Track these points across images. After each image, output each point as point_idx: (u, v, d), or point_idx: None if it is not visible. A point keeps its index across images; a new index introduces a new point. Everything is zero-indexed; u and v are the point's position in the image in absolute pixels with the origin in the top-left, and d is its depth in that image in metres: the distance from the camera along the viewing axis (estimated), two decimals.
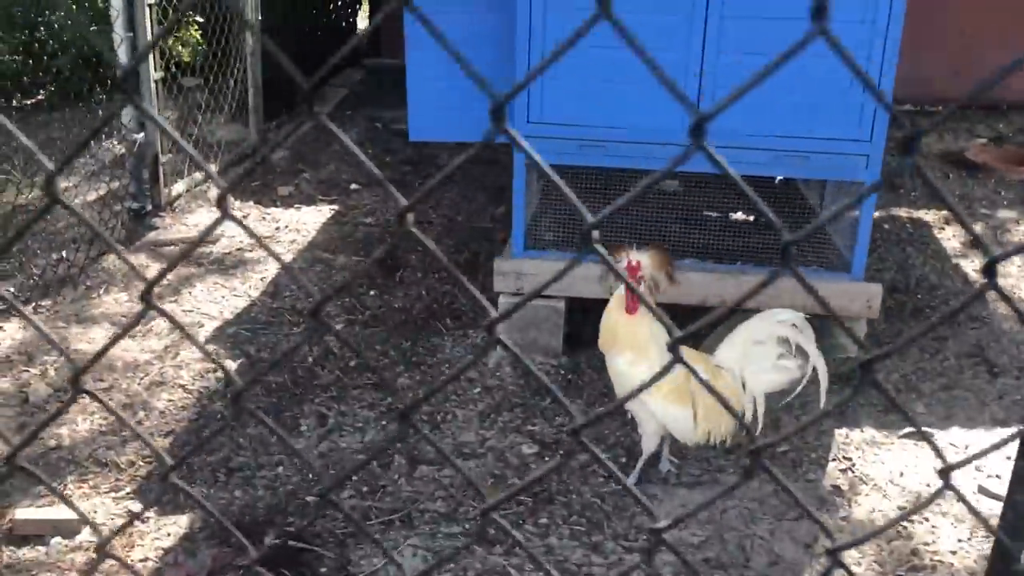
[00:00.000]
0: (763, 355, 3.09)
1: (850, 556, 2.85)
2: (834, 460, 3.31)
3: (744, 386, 3.10)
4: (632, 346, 3.06)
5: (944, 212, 5.36)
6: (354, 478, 3.22)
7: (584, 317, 4.19)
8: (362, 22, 9.40)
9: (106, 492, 3.14)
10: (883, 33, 3.43)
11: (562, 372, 3.88)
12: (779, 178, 5.11)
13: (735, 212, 4.93)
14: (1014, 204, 5.46)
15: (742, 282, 3.79)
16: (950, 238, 5.06)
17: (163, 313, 0.85)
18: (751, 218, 4.86)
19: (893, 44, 3.45)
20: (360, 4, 9.12)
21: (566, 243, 4.17)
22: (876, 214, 4.70)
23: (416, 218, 4.27)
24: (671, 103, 3.62)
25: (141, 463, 3.29)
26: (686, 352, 3.10)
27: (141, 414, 3.58)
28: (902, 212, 5.36)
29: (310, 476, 3.21)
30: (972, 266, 4.75)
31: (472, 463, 3.28)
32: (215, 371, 3.83)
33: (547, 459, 3.30)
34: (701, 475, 3.21)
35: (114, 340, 0.97)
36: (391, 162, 6.36)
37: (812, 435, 3.45)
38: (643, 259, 3.06)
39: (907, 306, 4.31)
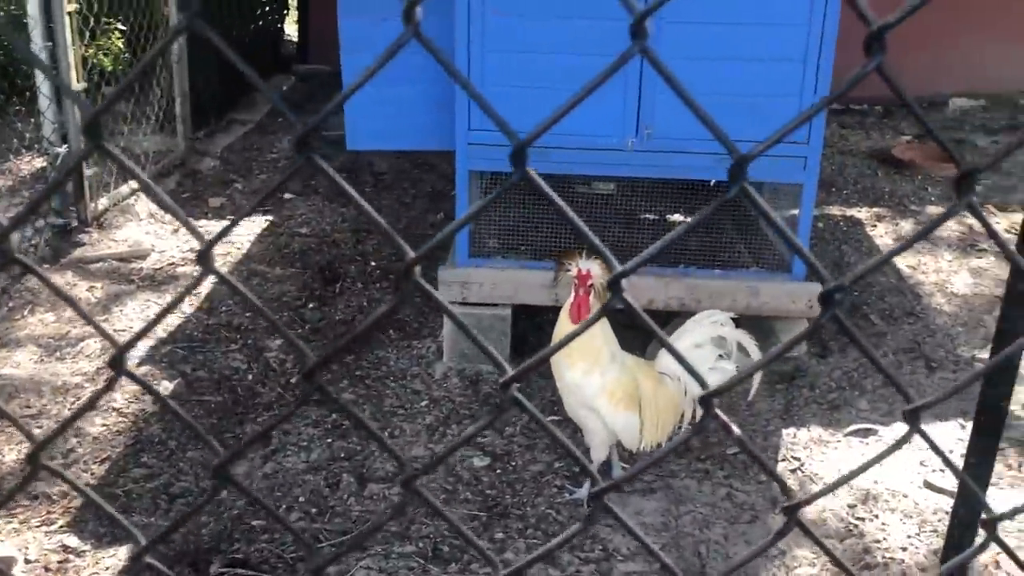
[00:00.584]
0: (702, 358, 3.11)
1: (804, 557, 2.87)
2: (783, 460, 3.34)
3: (685, 391, 3.12)
4: (584, 356, 3.03)
5: (877, 209, 5.47)
6: (301, 499, 3.14)
7: (530, 325, 4.16)
8: (290, 28, 9.24)
9: (37, 526, 3.00)
10: (819, 36, 3.47)
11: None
12: (713, 181, 5.15)
13: (672, 214, 4.95)
14: (941, 200, 5.60)
15: (687, 284, 3.80)
16: (882, 235, 5.17)
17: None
18: (689, 219, 4.89)
19: (829, 46, 3.50)
20: (287, 10, 8.95)
21: (510, 250, 4.14)
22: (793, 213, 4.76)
23: (353, 226, 4.17)
24: (610, 110, 3.62)
25: (74, 494, 3.15)
26: (631, 361, 3.10)
27: (73, 441, 3.44)
28: (835, 211, 5.45)
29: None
30: (905, 262, 4.85)
31: (423, 479, 3.21)
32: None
33: (498, 470, 3.26)
34: (654, 481, 3.20)
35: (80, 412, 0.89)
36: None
37: (760, 436, 3.47)
38: (593, 266, 3.04)
39: (844, 304, 4.37)
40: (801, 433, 3.48)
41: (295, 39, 9.14)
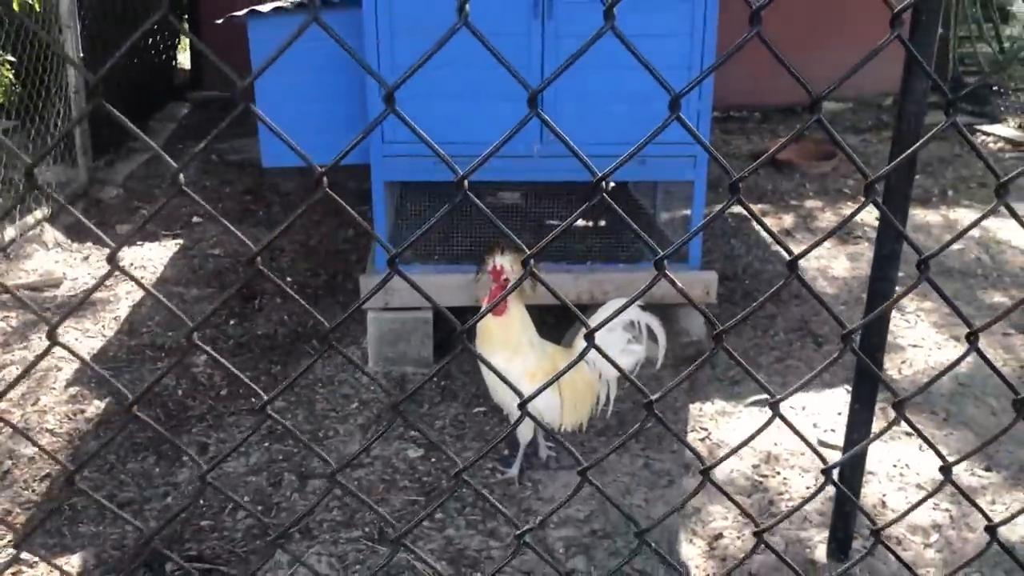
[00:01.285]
0: (614, 342, 3.38)
1: (717, 511, 3.16)
2: (692, 431, 3.64)
3: (600, 374, 3.39)
4: (506, 345, 3.27)
5: (761, 205, 5.90)
6: (246, 498, 3.27)
7: (452, 326, 4.38)
8: (182, 56, 9.24)
9: None
10: (701, 45, 3.82)
11: (434, 380, 4.04)
12: (611, 184, 5.49)
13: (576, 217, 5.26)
14: (819, 194, 6.08)
15: (595, 278, 4.08)
16: None
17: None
18: (590, 223, 5.20)
19: (710, 54, 3.85)
20: (180, 40, 8.96)
21: (427, 256, 4.35)
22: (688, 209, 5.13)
23: (268, 246, 4.26)
24: (516, 119, 3.88)
25: (18, 510, 3.20)
26: (550, 348, 3.36)
27: (8, 463, 3.47)
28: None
29: (201, 502, 3.23)
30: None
31: (361, 472, 3.39)
32: (82, 413, 3.76)
33: (433, 459, 3.46)
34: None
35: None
36: (231, 193, 6.34)
37: (670, 412, 3.77)
38: (504, 262, 3.28)
39: (737, 291, 4.74)
40: (706, 407, 3.80)
41: (188, 67, 9.15)
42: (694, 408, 3.79)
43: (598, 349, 1.19)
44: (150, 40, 8.07)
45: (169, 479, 3.39)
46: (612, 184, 5.46)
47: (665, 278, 1.07)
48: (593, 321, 3.43)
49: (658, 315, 4.23)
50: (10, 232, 5.25)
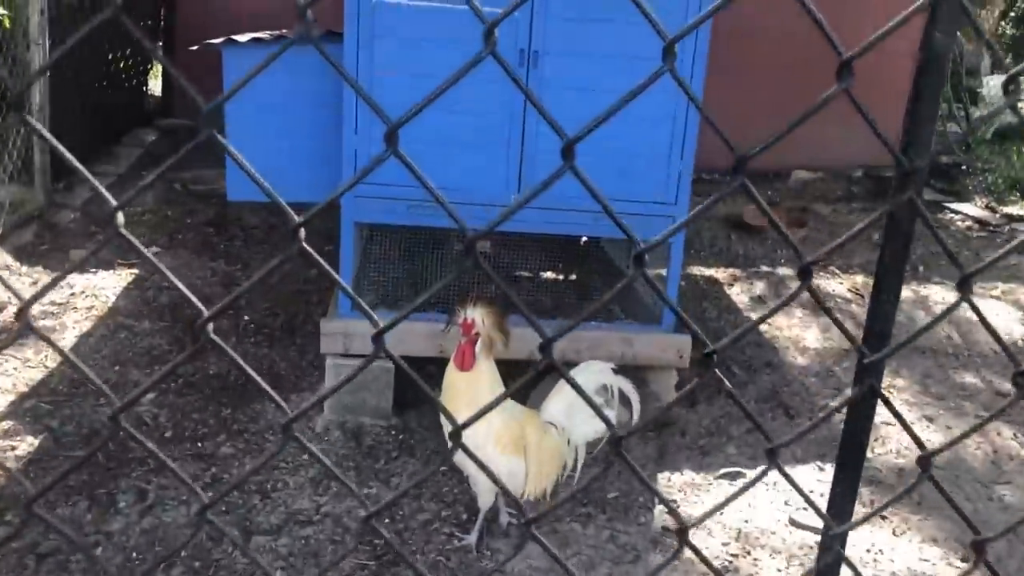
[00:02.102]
0: (584, 406, 3.23)
1: None
2: (660, 503, 3.48)
3: (568, 440, 3.23)
4: (471, 404, 3.10)
5: (732, 270, 5.83)
6: (184, 553, 3.04)
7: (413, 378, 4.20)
8: (153, 82, 9.05)
9: None
10: (686, 102, 3.75)
11: (393, 433, 3.86)
12: (584, 239, 5.39)
13: (544, 271, 5.14)
14: (790, 262, 6.02)
15: (569, 336, 3.94)
16: (739, 293, 5.51)
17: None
18: (561, 276, 5.08)
19: (693, 111, 3.77)
20: (151, 65, 8.79)
21: (390, 301, 4.19)
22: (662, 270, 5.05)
23: (224, 280, 4.11)
24: (496, 166, 3.77)
25: None
26: (517, 409, 3.20)
27: None
28: (695, 271, 5.77)
29: (135, 556, 3.00)
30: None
31: (309, 531, 3.18)
32: (13, 450, 3.52)
33: (387, 520, 3.26)
34: (539, 526, 3.28)
35: None
36: (193, 224, 6.14)
37: (637, 481, 3.61)
38: (476, 315, 3.14)
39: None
40: (675, 477, 3.65)
41: (159, 94, 8.97)
42: (662, 478, 3.64)
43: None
44: (121, 64, 7.89)
45: (101, 527, 3.16)
46: (584, 239, 5.36)
47: (651, 285, 0.93)
48: (565, 384, 3.32)
49: (628, 377, 4.11)
50: None
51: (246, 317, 4.85)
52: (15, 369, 4.13)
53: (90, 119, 6.91)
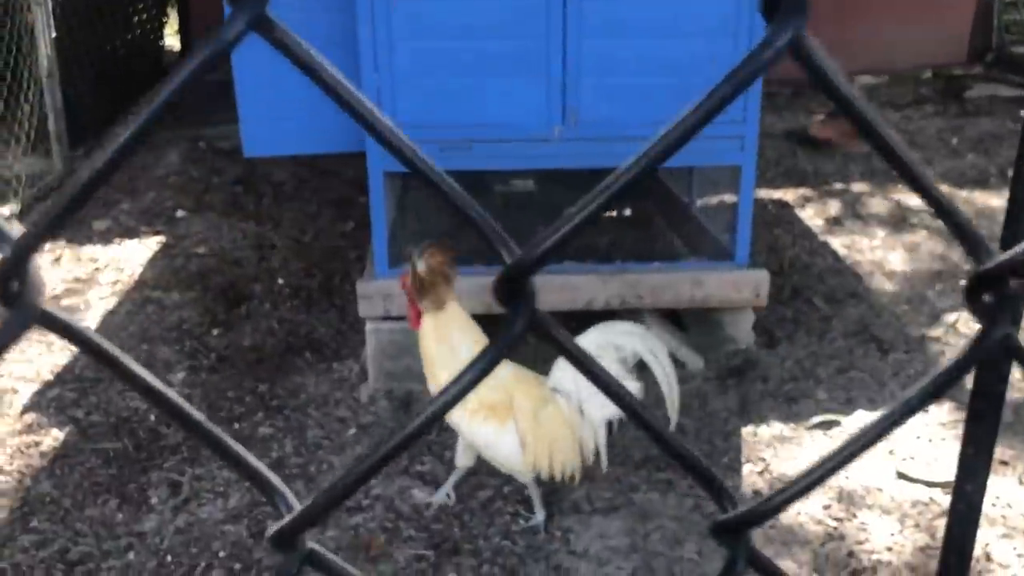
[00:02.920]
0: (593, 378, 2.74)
1: (785, 565, 2.63)
2: (747, 462, 3.10)
3: (581, 410, 2.71)
4: (428, 365, 2.75)
5: (802, 190, 5.34)
6: (222, 553, 2.75)
7: None
8: (170, 39, 8.68)
9: None
10: (749, 7, 3.26)
11: None
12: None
13: None
14: (865, 177, 5.52)
15: (627, 280, 3.54)
16: (812, 216, 5.03)
17: None
18: (614, 214, 4.65)
19: (759, 21, 3.29)
20: (166, 19, 8.41)
21: None
22: (732, 198, 4.61)
23: (255, 243, 3.76)
24: (537, 97, 3.34)
25: None
26: (509, 372, 2.69)
27: None
28: (761, 193, 5.29)
29: (169, 560, 2.72)
30: (839, 242, 4.71)
31: (359, 518, 2.87)
32: (37, 445, 3.25)
33: (443, 502, 2.93)
34: (614, 498, 2.92)
35: None
36: (219, 183, 5.80)
37: (719, 437, 3.24)
38: (419, 263, 2.70)
39: (785, 289, 4.19)
40: (761, 430, 3.26)
41: (176, 48, 8.61)
42: (747, 432, 3.25)
43: None
44: (135, 19, 7.52)
45: (133, 527, 2.88)
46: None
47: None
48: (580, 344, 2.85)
49: (699, 322, 3.71)
50: None
51: (280, 280, 4.52)
52: (38, 355, 3.86)
53: (105, 80, 6.57)
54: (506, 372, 2.68)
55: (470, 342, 2.67)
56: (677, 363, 3.53)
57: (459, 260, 3.67)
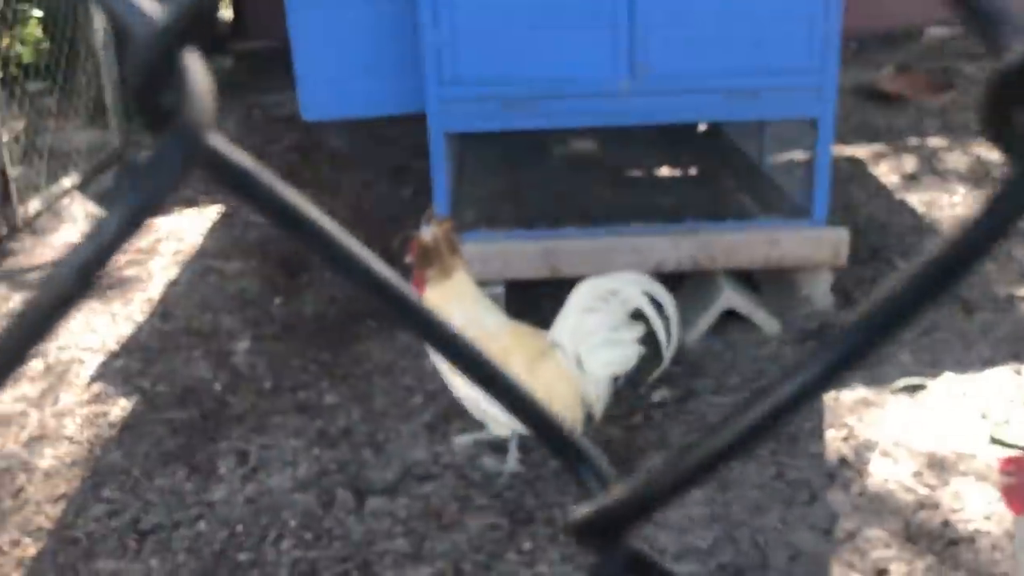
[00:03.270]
0: (595, 327, 2.63)
1: (878, 538, 2.51)
2: (830, 428, 2.97)
3: (579, 362, 2.62)
4: None
5: (876, 146, 5.13)
6: (292, 523, 2.71)
7: (526, 301, 3.76)
8: (224, 9, 8.64)
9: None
10: None
11: None
12: (702, 126, 4.78)
13: (660, 167, 4.57)
14: (941, 131, 5.28)
15: (699, 240, 3.41)
16: (887, 172, 4.83)
17: None
18: (679, 172, 4.51)
19: None
20: None
21: (494, 220, 3.72)
22: (807, 155, 4.44)
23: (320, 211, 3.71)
24: (600, 47, 3.21)
25: (28, 539, 2.70)
26: (504, 328, 2.68)
27: (23, 478, 2.97)
28: (833, 150, 5.09)
29: (239, 529, 2.68)
30: (917, 199, 4.51)
31: (429, 487, 2.81)
32: (105, 416, 3.24)
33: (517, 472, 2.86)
34: None
35: None
36: (276, 151, 5.76)
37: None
38: (426, 233, 2.66)
39: (862, 248, 4.01)
40: (843, 395, 3.12)
41: (230, 17, 8.57)
42: (829, 398, 3.12)
43: None
44: None
45: (203, 497, 2.85)
46: (704, 127, 4.76)
47: None
48: (573, 295, 2.43)
49: (774, 283, 3.57)
50: (36, 204, 4.75)
51: None
52: (104, 325, 3.86)
53: None
54: (503, 325, 2.67)
55: (472, 311, 2.63)
56: (752, 326, 3.41)
57: (526, 222, 3.59)
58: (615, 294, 2.64)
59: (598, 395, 2.66)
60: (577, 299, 2.66)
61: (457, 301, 2.64)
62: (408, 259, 2.69)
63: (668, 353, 2.69)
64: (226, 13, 8.59)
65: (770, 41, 3.17)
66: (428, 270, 2.65)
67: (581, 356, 2.61)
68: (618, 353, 2.63)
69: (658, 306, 2.63)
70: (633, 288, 2.63)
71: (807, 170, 3.48)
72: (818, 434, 2.94)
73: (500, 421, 2.67)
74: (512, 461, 2.82)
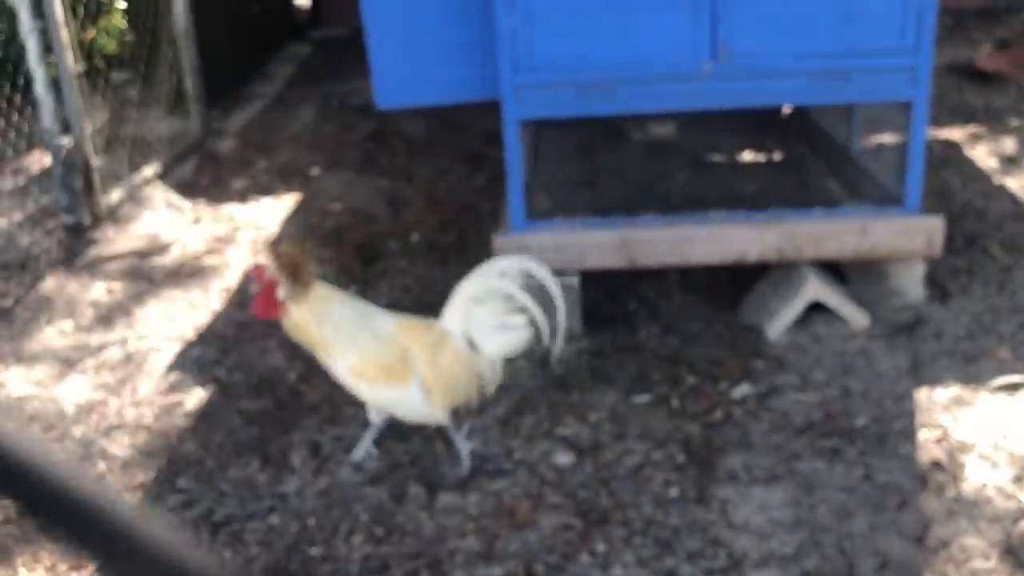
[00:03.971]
0: (487, 314, 2.74)
1: (975, 547, 2.37)
2: (923, 428, 2.82)
3: (472, 343, 2.75)
4: (314, 345, 2.69)
5: (972, 127, 4.88)
6: (364, 517, 2.69)
7: (601, 291, 3.67)
8: None
9: (68, 572, 2.59)
10: None
11: (585, 358, 3.35)
12: (786, 110, 4.60)
13: (742, 152, 4.42)
14: None
15: (784, 230, 3.26)
16: (984, 155, 4.58)
17: None
18: (763, 158, 4.35)
19: None
20: None
21: (569, 208, 3.63)
22: (900, 138, 4.22)
23: (389, 198, 3.67)
24: (682, 27, 3.08)
25: None
26: (398, 327, 2.72)
27: (101, 465, 3.02)
28: (929, 133, 4.86)
29: (311, 523, 2.67)
30: (1017, 184, 4.27)
31: (501, 483, 2.75)
32: (181, 405, 3.27)
33: (589, 467, 2.78)
34: (775, 466, 2.70)
35: None
36: (353, 139, 5.77)
37: (889, 399, 2.96)
38: (267, 260, 2.63)
39: (957, 237, 3.81)
40: (937, 393, 2.96)
41: (306, 5, 8.63)
42: (921, 395, 2.96)
43: None
44: None
45: (276, 489, 2.85)
46: (788, 110, 4.58)
47: None
48: (461, 287, 2.46)
49: (863, 274, 3.41)
50: (118, 193, 4.84)
51: (415, 236, 4.44)
52: (182, 314, 3.90)
53: (239, 39, 6.62)
54: (393, 326, 2.72)
55: (358, 315, 2.70)
56: (839, 320, 3.27)
57: (602, 210, 3.50)
58: (502, 282, 2.74)
59: (492, 374, 2.80)
60: (465, 290, 2.76)
61: (339, 307, 2.68)
62: (253, 289, 2.65)
63: (556, 342, 2.79)
64: (304, 1, 8.65)
65: (860, 19, 3.00)
66: (290, 290, 2.62)
67: (474, 339, 2.74)
68: (509, 337, 2.75)
69: (544, 292, 2.75)
70: (515, 281, 2.73)
71: (899, 154, 3.31)
72: (909, 434, 2.79)
73: (435, 419, 2.77)
74: (361, 452, 2.86)
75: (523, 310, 2.72)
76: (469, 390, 2.76)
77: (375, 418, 2.86)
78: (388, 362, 2.67)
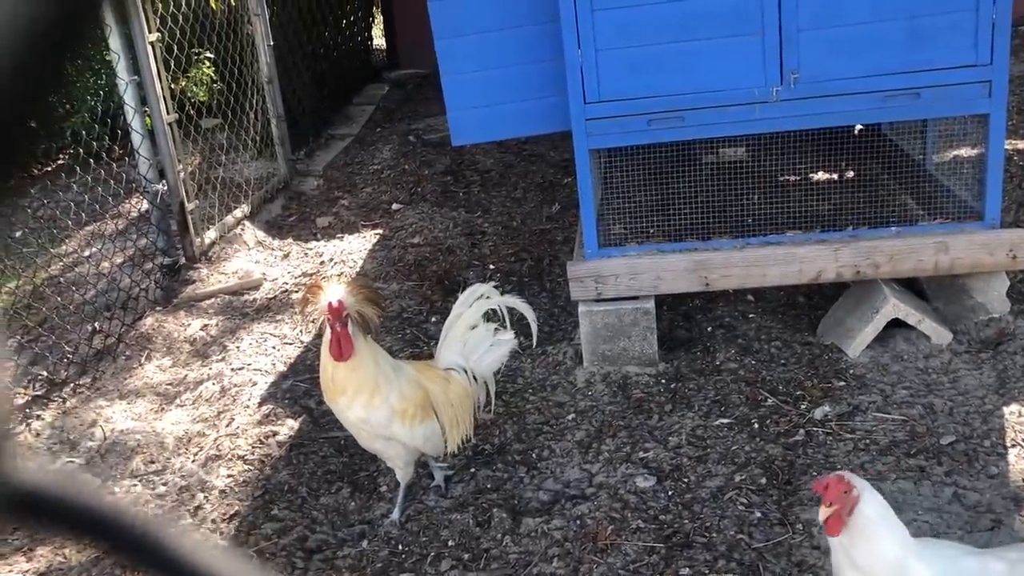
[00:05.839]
0: (480, 338, 2.99)
1: None
2: (1013, 446, 2.77)
3: (473, 377, 2.96)
4: (360, 390, 2.68)
5: None
6: (450, 543, 2.76)
7: (675, 315, 3.70)
8: (378, 39, 8.98)
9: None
10: None
11: (663, 382, 3.38)
12: (858, 127, 4.57)
13: (815, 172, 4.40)
14: None
15: (860, 248, 3.25)
16: None
17: None
18: (835, 176, 4.32)
19: None
20: (373, 19, 8.70)
21: (642, 234, 3.68)
22: (977, 151, 4.15)
23: (466, 230, 3.79)
24: (752, 57, 3.11)
25: None
26: (412, 369, 2.83)
27: (200, 496, 3.16)
28: (1006, 145, 4.76)
29: (400, 548, 2.76)
30: None
31: (583, 507, 2.79)
32: (275, 435, 3.41)
33: (671, 490, 2.81)
34: None
35: None
36: (430, 175, 5.92)
37: (976, 417, 2.91)
38: (344, 294, 2.65)
39: None
40: None
41: (383, 47, 8.89)
42: (1010, 412, 2.91)
43: None
44: (343, 22, 7.82)
45: (365, 515, 2.95)
46: (858, 128, 4.54)
47: None
48: (454, 324, 2.69)
49: (942, 290, 3.37)
50: (211, 234, 5.06)
51: (492, 266, 4.54)
52: (274, 348, 4.06)
53: (320, 84, 6.87)
54: (411, 369, 2.86)
55: (391, 360, 2.82)
56: (920, 336, 3.23)
57: (676, 235, 3.54)
58: (479, 304, 2.98)
59: (489, 392, 3.05)
60: (460, 324, 2.98)
61: (380, 354, 2.79)
62: (330, 323, 2.66)
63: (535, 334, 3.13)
64: (381, 43, 8.92)
65: (930, 35, 3.00)
66: (358, 330, 2.68)
67: (472, 370, 2.96)
68: (501, 352, 3.02)
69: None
70: (502, 301, 3.02)
71: (976, 168, 3.27)
72: (999, 452, 2.74)
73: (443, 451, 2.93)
74: (399, 511, 2.91)
75: (510, 310, 3.04)
76: (470, 416, 2.96)
77: (405, 473, 2.90)
78: (418, 399, 2.78)
